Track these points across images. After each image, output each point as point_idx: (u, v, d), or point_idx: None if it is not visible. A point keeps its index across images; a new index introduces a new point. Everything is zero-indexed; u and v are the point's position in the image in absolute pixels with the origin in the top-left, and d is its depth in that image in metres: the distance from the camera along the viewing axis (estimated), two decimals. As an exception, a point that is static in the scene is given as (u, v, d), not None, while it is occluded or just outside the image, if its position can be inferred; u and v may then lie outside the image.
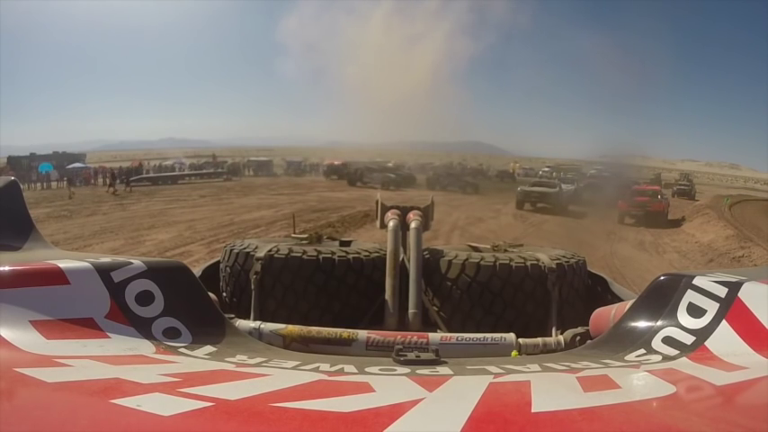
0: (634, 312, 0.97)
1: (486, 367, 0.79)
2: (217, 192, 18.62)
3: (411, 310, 1.54)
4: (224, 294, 1.73)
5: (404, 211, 1.93)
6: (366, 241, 1.92)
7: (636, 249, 14.62)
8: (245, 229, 12.82)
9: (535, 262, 1.59)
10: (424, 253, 1.70)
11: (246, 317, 1.51)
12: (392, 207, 1.95)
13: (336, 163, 23.05)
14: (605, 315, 1.24)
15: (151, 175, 21.60)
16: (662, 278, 0.97)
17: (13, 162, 22.78)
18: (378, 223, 1.97)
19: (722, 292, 0.88)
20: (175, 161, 23.62)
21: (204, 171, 22.92)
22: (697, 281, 0.91)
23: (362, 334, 1.31)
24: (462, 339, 1.32)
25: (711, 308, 0.87)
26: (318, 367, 0.78)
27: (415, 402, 0.59)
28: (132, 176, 20.97)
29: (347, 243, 1.86)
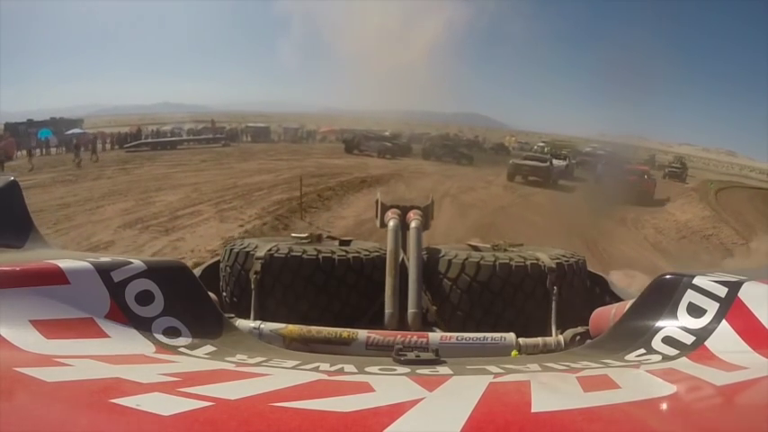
0: (634, 312, 0.97)
1: (486, 367, 0.79)
2: (217, 157, 18.85)
3: (411, 310, 1.54)
4: (224, 294, 1.73)
5: (404, 211, 1.93)
6: (365, 241, 1.92)
7: (617, 224, 15.01)
8: (248, 192, 13.04)
9: (535, 261, 1.59)
10: (424, 252, 1.70)
11: (246, 316, 1.51)
12: (392, 206, 1.95)
13: (335, 129, 23.00)
14: (605, 315, 1.24)
15: (150, 140, 21.54)
16: (662, 278, 0.97)
17: (11, 128, 21.85)
18: (378, 223, 1.97)
19: (722, 291, 0.88)
20: (174, 126, 23.44)
21: (203, 137, 22.81)
22: (697, 281, 0.91)
23: (362, 334, 1.31)
24: (462, 339, 1.32)
25: (711, 308, 0.87)
26: (318, 367, 0.78)
27: (414, 402, 0.59)
28: (130, 141, 21.03)
29: (347, 242, 1.86)
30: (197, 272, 1.65)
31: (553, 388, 0.72)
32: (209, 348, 0.88)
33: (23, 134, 20.87)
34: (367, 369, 0.77)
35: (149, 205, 11.59)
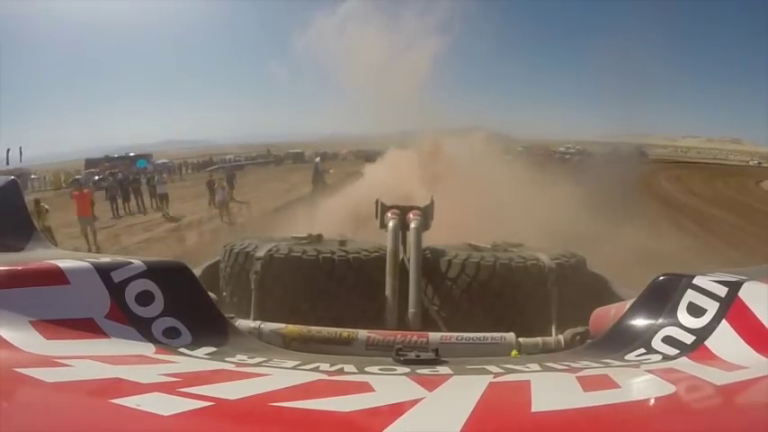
0: (634, 312, 0.97)
1: (486, 367, 0.79)
2: (284, 173, 24.32)
3: (411, 310, 1.54)
4: (224, 294, 1.73)
5: (404, 211, 1.93)
6: (365, 240, 1.92)
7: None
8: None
9: (535, 261, 1.58)
10: (424, 252, 1.70)
11: (246, 316, 1.51)
12: (392, 207, 1.95)
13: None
14: (605, 314, 1.24)
15: (221, 165, 26.71)
16: (662, 278, 0.97)
17: (91, 163, 24.19)
18: (378, 223, 1.97)
19: (722, 291, 0.87)
20: (235, 156, 29.06)
21: (259, 160, 28.91)
22: (697, 280, 0.91)
23: (362, 333, 1.31)
24: (462, 339, 1.32)
25: (711, 307, 0.87)
26: (318, 367, 0.78)
27: (414, 402, 0.59)
28: (208, 168, 25.52)
29: (346, 242, 1.86)
30: (197, 272, 1.65)
31: (553, 388, 0.72)
32: (209, 348, 0.88)
33: (129, 166, 22.81)
34: (367, 369, 0.77)
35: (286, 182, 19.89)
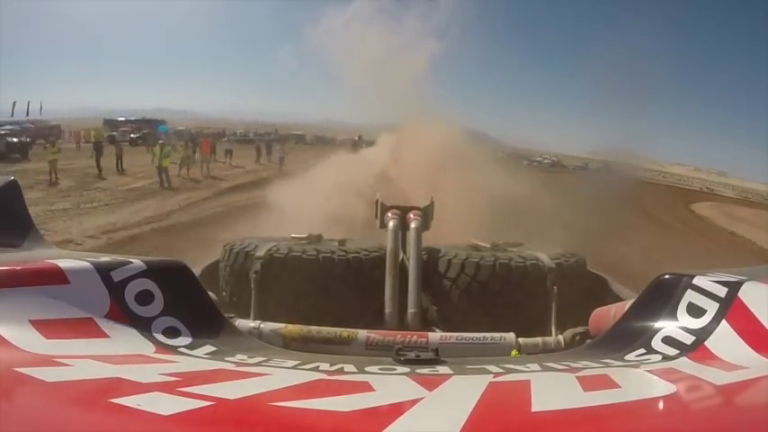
0: (634, 312, 0.97)
1: (486, 367, 0.79)
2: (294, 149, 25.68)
3: (411, 310, 1.54)
4: (224, 293, 1.73)
5: (403, 211, 1.93)
6: (365, 240, 1.92)
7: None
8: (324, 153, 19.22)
9: (535, 261, 1.59)
10: (424, 252, 1.70)
11: (246, 316, 1.51)
12: (392, 207, 1.95)
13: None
14: (605, 314, 1.24)
15: (234, 138, 28.53)
16: (662, 278, 0.97)
17: (111, 123, 26.04)
18: (377, 223, 1.97)
19: (722, 292, 0.87)
20: (244, 130, 31.47)
21: (268, 138, 29.77)
22: (697, 281, 0.91)
23: (362, 333, 1.31)
24: (462, 339, 1.32)
25: (711, 308, 0.87)
26: (318, 367, 0.78)
27: (414, 402, 0.59)
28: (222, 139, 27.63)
29: (346, 242, 1.86)
30: (197, 272, 1.65)
31: (553, 388, 0.72)
32: (209, 348, 0.88)
33: (153, 129, 24.87)
34: (367, 369, 0.77)
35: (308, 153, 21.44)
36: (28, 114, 22.61)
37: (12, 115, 21.89)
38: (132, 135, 24.03)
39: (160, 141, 16.44)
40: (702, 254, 12.10)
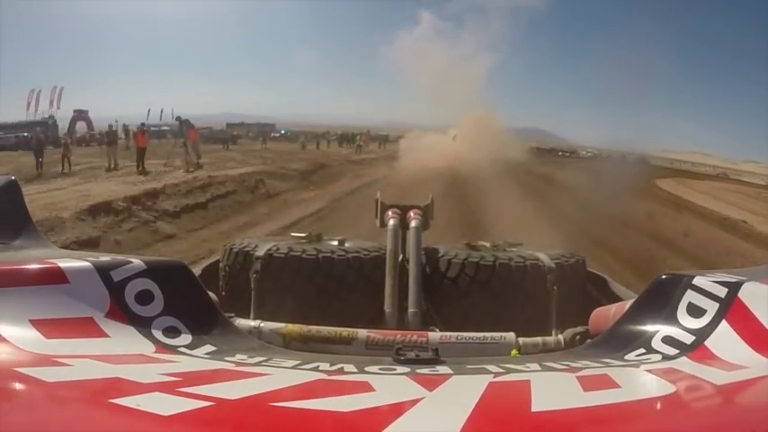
0: (634, 312, 0.97)
1: (486, 366, 0.79)
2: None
3: (411, 310, 1.54)
4: (224, 293, 1.73)
5: (403, 210, 1.93)
6: (365, 240, 1.92)
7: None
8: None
9: (535, 261, 1.59)
10: (424, 252, 1.70)
11: (246, 316, 1.51)
12: (392, 206, 1.95)
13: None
14: (605, 314, 1.24)
15: (282, 134, 38.14)
16: (662, 278, 0.97)
17: (231, 126, 35.98)
18: (377, 222, 1.97)
19: (722, 292, 0.88)
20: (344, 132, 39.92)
21: (369, 136, 39.53)
22: (697, 281, 0.91)
23: (362, 333, 1.31)
24: (462, 338, 1.32)
25: (711, 308, 0.87)
26: (318, 366, 0.78)
27: (414, 402, 0.59)
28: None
29: (346, 242, 1.86)
30: (197, 271, 1.65)
31: (553, 387, 0.72)
32: (209, 348, 0.88)
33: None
34: (367, 369, 0.77)
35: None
36: (59, 107, 30.78)
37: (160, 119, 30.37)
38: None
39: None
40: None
